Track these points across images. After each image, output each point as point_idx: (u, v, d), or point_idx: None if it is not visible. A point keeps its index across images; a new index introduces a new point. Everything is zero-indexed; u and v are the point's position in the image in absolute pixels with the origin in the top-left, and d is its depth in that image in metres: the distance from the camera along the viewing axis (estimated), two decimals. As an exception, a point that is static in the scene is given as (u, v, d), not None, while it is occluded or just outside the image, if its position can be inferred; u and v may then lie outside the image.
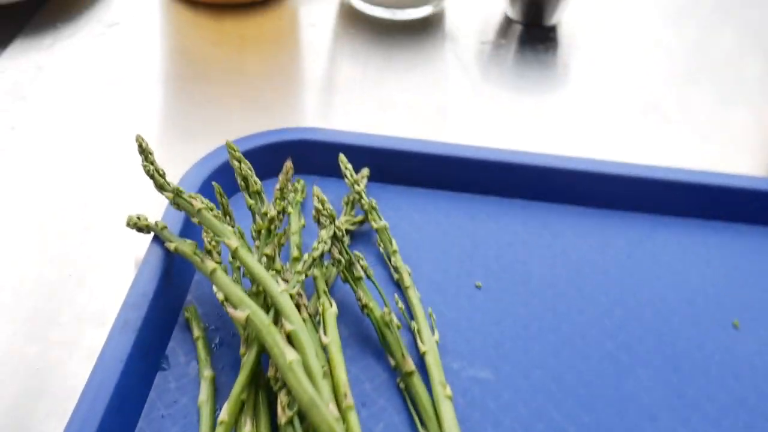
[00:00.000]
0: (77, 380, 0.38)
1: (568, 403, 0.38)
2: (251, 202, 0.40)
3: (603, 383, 0.39)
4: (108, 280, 0.42)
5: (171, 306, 0.40)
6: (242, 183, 0.41)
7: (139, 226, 0.41)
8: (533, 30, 0.64)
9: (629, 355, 0.40)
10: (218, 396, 0.37)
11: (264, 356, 0.37)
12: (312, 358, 0.34)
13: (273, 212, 0.39)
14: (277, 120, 0.53)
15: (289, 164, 0.40)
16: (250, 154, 0.46)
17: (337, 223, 0.41)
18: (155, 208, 0.45)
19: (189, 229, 0.42)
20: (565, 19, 0.65)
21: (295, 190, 0.46)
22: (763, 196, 0.48)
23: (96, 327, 0.40)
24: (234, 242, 0.38)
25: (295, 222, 0.44)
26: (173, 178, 0.46)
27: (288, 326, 0.35)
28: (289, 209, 0.44)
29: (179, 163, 0.48)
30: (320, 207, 0.41)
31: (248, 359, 0.36)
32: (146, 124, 0.53)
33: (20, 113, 0.52)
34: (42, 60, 0.56)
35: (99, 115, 0.53)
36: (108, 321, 0.40)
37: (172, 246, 0.39)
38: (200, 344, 0.39)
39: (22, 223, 0.45)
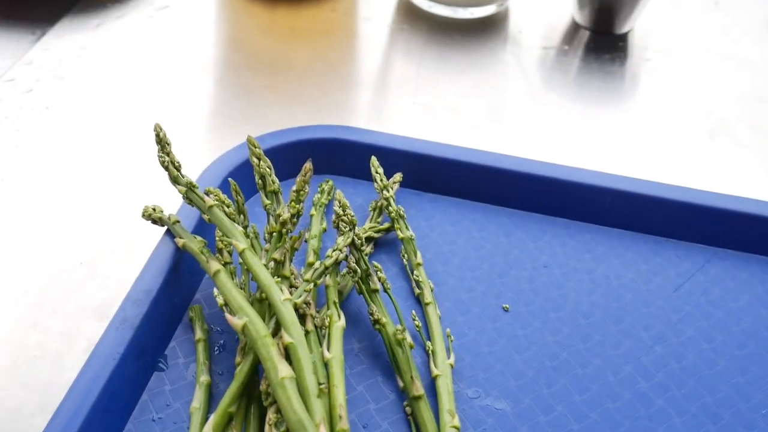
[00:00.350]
0: (73, 373, 0.36)
1: (588, 447, 0.35)
2: (267, 202, 0.38)
3: (632, 428, 0.35)
4: (120, 272, 0.41)
5: (176, 304, 0.38)
6: (259, 181, 0.38)
7: (153, 218, 0.39)
8: (602, 37, 0.60)
9: (665, 399, 0.37)
10: (213, 402, 0.35)
11: (261, 368, 0.34)
12: (308, 375, 0.32)
13: (286, 215, 0.37)
14: (318, 116, 0.51)
15: (308, 165, 0.38)
16: (279, 150, 0.44)
17: (357, 230, 0.38)
18: (180, 200, 0.43)
19: (205, 225, 0.40)
20: (638, 27, 0.61)
21: (322, 191, 0.43)
22: (837, 234, 0.43)
23: (100, 319, 0.39)
24: (242, 244, 0.36)
25: (317, 225, 0.41)
26: (205, 167, 0.44)
27: (287, 338, 0.33)
28: (312, 211, 0.42)
29: (213, 153, 0.46)
30: (340, 212, 0.39)
31: (242, 370, 0.33)
32: (184, 111, 0.51)
33: (57, 93, 0.51)
34: (87, 40, 0.56)
35: (136, 100, 0.52)
36: (113, 314, 0.39)
37: (180, 242, 0.38)
38: (200, 347, 0.37)
39: (42, 206, 0.45)
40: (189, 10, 0.60)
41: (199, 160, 0.45)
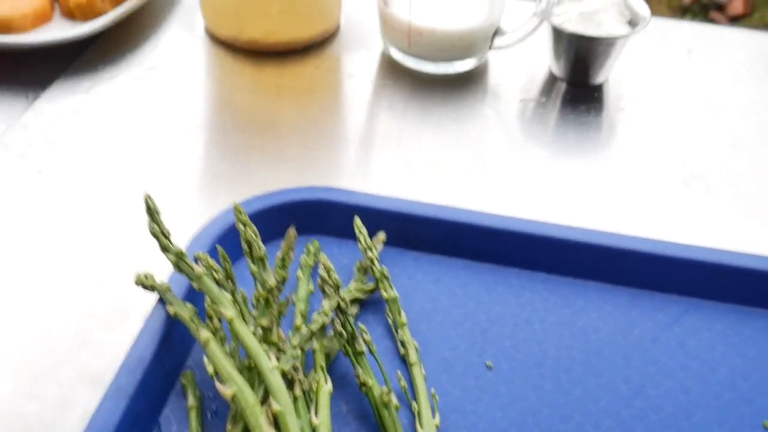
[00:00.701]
0: (68, 442, 0.37)
1: (570, 503, 0.36)
2: (254, 268, 0.39)
3: (611, 483, 0.37)
4: (114, 338, 0.42)
5: (168, 371, 0.39)
6: (246, 248, 0.40)
7: (145, 285, 0.40)
8: (578, 89, 0.62)
9: (644, 452, 0.38)
10: (206, 470, 0.36)
11: (251, 434, 0.35)
12: (296, 442, 0.33)
13: (272, 281, 0.38)
14: (304, 174, 0.53)
15: (292, 232, 0.39)
16: (265, 213, 0.46)
17: (342, 293, 0.40)
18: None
19: (194, 295, 0.41)
20: (612, 77, 0.62)
21: (308, 253, 0.44)
22: (807, 283, 0.44)
23: (95, 387, 0.40)
24: (230, 312, 0.37)
25: (303, 288, 0.42)
26: (195, 232, 0.46)
27: (275, 406, 0.34)
28: (299, 273, 0.43)
29: (202, 214, 0.48)
30: (325, 276, 0.40)
31: (232, 438, 0.35)
32: (173, 173, 0.52)
33: (49, 157, 0.53)
34: (78, 103, 0.57)
35: (127, 162, 0.53)
36: (108, 381, 0.40)
37: (171, 310, 0.39)
38: (193, 414, 0.38)
39: (35, 272, 0.46)
40: (177, 70, 0.61)
41: (189, 221, 0.47)
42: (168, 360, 0.39)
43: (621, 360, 0.42)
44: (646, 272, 0.45)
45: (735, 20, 1.96)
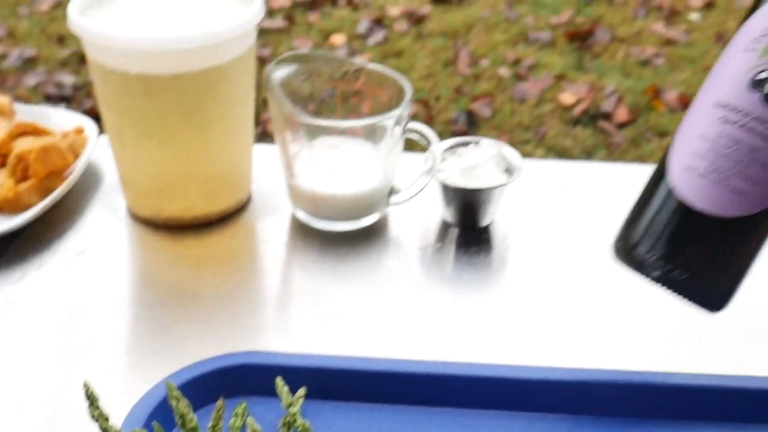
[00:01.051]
0: None
1: None
2: (188, 437, 0.44)
3: None
4: None
5: None
6: (179, 420, 0.44)
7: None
8: (468, 232, 0.69)
9: None
10: None
11: None
12: None
13: (206, 450, 0.43)
14: (229, 341, 0.58)
15: (220, 404, 0.44)
16: (194, 382, 0.50)
17: (269, 451, 0.44)
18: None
19: (134, 464, 0.45)
20: (498, 219, 0.70)
21: (236, 416, 0.49)
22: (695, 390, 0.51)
23: None
24: (169, 482, 0.41)
25: (234, 450, 0.47)
26: (130, 408, 0.50)
27: None
28: (230, 436, 0.48)
29: (136, 390, 0.52)
30: (254, 437, 0.45)
31: None
32: (105, 353, 0.57)
33: (-11, 349, 0.57)
34: (10, 294, 0.62)
35: (61, 348, 0.57)
36: None
37: (114, 486, 0.43)
38: None
39: (-16, 461, 0.49)
40: (103, 251, 0.67)
41: (123, 398, 0.51)
42: None
43: (523, 481, 0.47)
44: (540, 396, 0.51)
45: (622, 126, 2.14)
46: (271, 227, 0.70)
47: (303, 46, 2.42)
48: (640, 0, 2.76)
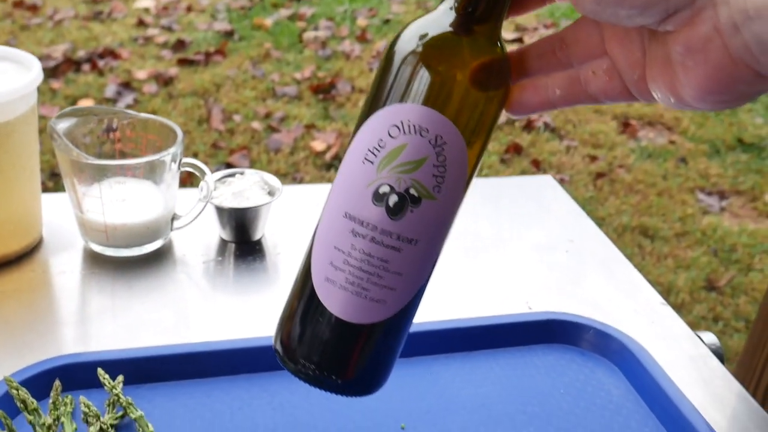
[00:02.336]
0: None
1: None
2: (30, 417, 0.53)
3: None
4: None
5: None
6: (21, 405, 0.53)
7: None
8: (243, 246, 0.82)
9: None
10: None
11: None
12: None
13: (49, 420, 0.52)
14: (43, 353, 0.66)
15: (57, 383, 0.53)
16: (26, 383, 0.59)
17: (102, 419, 0.54)
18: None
19: (-19, 451, 0.53)
20: (267, 233, 0.84)
21: (65, 404, 0.58)
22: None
23: None
24: (22, 449, 0.50)
25: (69, 427, 0.56)
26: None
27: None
28: (62, 419, 0.57)
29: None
30: (87, 410, 0.55)
31: None
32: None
33: None
34: None
35: None
36: None
37: (-30, 465, 0.51)
38: None
39: None
40: None
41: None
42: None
43: None
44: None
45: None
46: (66, 260, 0.79)
47: (50, 113, 2.43)
48: (372, 54, 3.06)
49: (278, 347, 0.50)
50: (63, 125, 0.77)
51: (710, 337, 0.74)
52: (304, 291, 0.48)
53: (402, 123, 0.44)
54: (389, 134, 0.44)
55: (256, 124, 2.54)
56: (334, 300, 0.46)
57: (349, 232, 0.45)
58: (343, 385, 0.48)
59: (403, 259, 0.45)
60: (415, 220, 0.44)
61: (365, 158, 0.45)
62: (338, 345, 0.47)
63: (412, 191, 0.44)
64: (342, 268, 0.46)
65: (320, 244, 0.47)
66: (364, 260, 0.45)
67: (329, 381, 0.48)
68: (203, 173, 0.79)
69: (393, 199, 0.44)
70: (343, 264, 0.46)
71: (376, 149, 0.44)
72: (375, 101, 0.45)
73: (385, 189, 0.44)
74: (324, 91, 2.79)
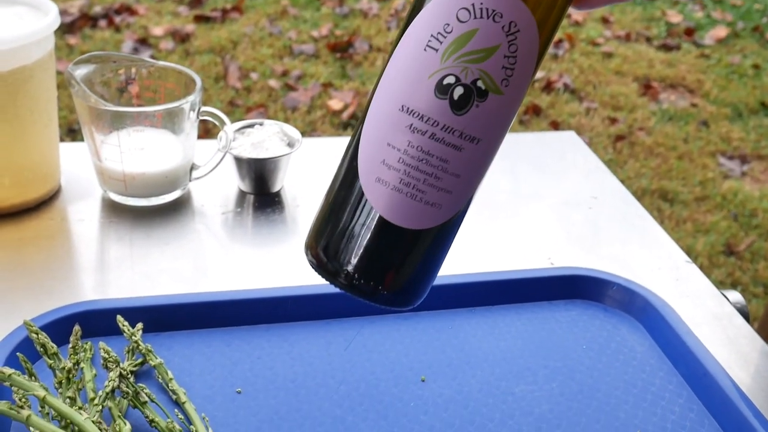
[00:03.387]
0: None
1: (313, 458, 0.53)
2: (50, 362, 0.53)
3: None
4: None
5: (-5, 455, 0.51)
6: (41, 349, 0.53)
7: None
8: (262, 197, 0.81)
9: (354, 416, 0.56)
10: None
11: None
12: (115, 461, 0.47)
13: (69, 364, 0.52)
14: (62, 300, 0.66)
15: (76, 327, 0.53)
16: (46, 328, 0.58)
17: (121, 365, 0.54)
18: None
19: (1, 395, 0.53)
20: (286, 185, 0.83)
21: (85, 350, 0.58)
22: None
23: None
24: (42, 392, 0.50)
25: (88, 373, 0.56)
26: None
27: (94, 443, 0.47)
28: (82, 365, 0.57)
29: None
30: (106, 356, 0.54)
31: (66, 474, 0.47)
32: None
33: None
34: None
35: None
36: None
37: (-10, 407, 0.50)
38: (24, 478, 0.49)
39: None
40: (-76, 244, 0.71)
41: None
42: (-7, 449, 0.51)
43: (322, 373, 0.60)
44: (327, 307, 0.65)
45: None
46: (85, 209, 0.78)
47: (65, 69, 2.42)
48: (390, 13, 3.03)
49: (314, 255, 0.45)
50: (81, 71, 0.76)
51: (735, 296, 0.73)
52: (349, 194, 0.44)
53: (474, 5, 0.39)
54: (458, 18, 0.40)
55: (273, 82, 2.52)
56: (386, 203, 0.42)
57: (405, 127, 0.41)
58: (386, 294, 0.44)
59: (464, 159, 0.41)
60: (480, 116, 0.41)
61: (428, 44, 0.40)
62: (386, 251, 0.43)
63: (480, 83, 0.40)
64: (396, 167, 0.41)
65: (369, 142, 0.42)
66: (422, 159, 0.41)
67: (369, 289, 0.44)
68: (222, 122, 0.78)
69: (458, 92, 0.40)
70: (398, 163, 0.41)
71: (441, 35, 0.40)
72: None
73: (450, 80, 0.40)
74: (341, 49, 2.76)
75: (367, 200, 0.43)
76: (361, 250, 0.43)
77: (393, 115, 0.41)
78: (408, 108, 0.41)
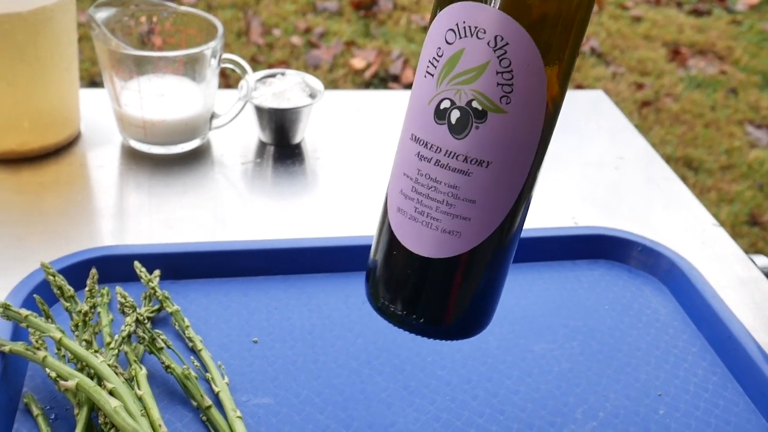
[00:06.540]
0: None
1: (328, 408, 0.52)
2: (67, 304, 0.52)
3: (353, 389, 0.54)
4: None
5: (11, 396, 0.50)
6: (58, 291, 0.52)
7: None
8: (282, 149, 0.80)
9: (370, 369, 0.56)
10: (60, 455, 0.48)
11: (94, 414, 0.48)
12: (131, 404, 0.46)
13: (86, 308, 0.51)
14: (79, 245, 0.65)
15: (93, 271, 0.52)
16: (64, 272, 0.58)
17: (138, 310, 0.54)
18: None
19: (18, 336, 0.53)
20: (307, 137, 0.82)
21: (102, 295, 0.57)
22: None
23: (-52, 424, 0.49)
24: (58, 334, 0.49)
25: (105, 318, 0.55)
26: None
27: (109, 385, 0.47)
28: (99, 309, 0.56)
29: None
30: (123, 301, 0.54)
31: (81, 416, 0.47)
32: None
33: None
34: None
35: None
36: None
37: (6, 348, 0.50)
38: (41, 419, 0.49)
39: None
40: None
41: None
42: (7, 389, 0.50)
43: (340, 326, 0.60)
44: (354, 260, 0.64)
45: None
46: (104, 155, 0.77)
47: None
48: (416, -29, 2.97)
49: (366, 285, 0.46)
50: (102, 14, 0.75)
51: (763, 261, 0.71)
52: (382, 224, 0.44)
53: (458, 25, 0.38)
54: (446, 40, 0.39)
55: (295, 39, 2.50)
56: (406, 232, 0.42)
57: (414, 155, 0.41)
58: (425, 326, 0.43)
59: (475, 185, 0.40)
60: (482, 137, 0.39)
61: (426, 71, 0.40)
62: (414, 282, 0.43)
63: (475, 104, 0.38)
64: (411, 197, 0.41)
65: (393, 173, 0.43)
66: (431, 186, 0.40)
67: (408, 320, 0.43)
68: (244, 71, 0.77)
69: (455, 115, 0.39)
70: (412, 192, 0.41)
71: (435, 59, 0.39)
72: (436, 4, 0.39)
73: (446, 104, 0.39)
74: (365, 7, 2.73)
75: (393, 231, 0.43)
76: (393, 282, 0.43)
77: (406, 145, 0.41)
78: (415, 136, 0.41)
